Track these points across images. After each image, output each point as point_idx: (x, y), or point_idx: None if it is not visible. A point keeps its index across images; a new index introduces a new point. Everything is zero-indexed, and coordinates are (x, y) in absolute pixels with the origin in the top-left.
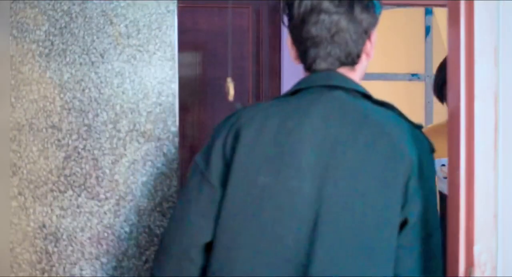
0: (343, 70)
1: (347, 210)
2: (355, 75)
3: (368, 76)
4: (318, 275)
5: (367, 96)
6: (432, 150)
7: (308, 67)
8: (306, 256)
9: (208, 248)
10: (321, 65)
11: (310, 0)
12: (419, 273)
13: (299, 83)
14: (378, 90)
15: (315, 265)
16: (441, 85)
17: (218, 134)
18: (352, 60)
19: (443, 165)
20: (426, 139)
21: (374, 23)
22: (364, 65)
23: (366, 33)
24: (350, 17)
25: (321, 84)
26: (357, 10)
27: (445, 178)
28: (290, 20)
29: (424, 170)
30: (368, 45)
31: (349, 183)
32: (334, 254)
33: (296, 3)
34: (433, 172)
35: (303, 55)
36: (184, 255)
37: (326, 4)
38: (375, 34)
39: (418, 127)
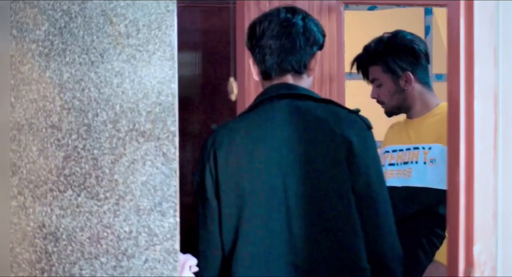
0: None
1: (310, 194)
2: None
3: None
4: (300, 255)
5: (310, 97)
6: (369, 128)
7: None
8: (288, 236)
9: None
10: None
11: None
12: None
13: (256, 97)
14: None
15: (296, 244)
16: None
17: (204, 156)
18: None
19: (387, 151)
20: (362, 119)
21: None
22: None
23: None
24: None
25: (272, 94)
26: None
27: (390, 165)
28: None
29: (362, 144)
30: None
31: (306, 171)
32: (309, 232)
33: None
34: (371, 144)
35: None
36: (214, 255)
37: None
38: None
39: (355, 111)
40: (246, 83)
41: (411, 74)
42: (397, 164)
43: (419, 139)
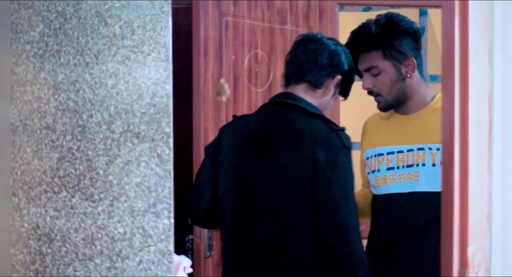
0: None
1: (271, 196)
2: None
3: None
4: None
5: (303, 109)
6: (343, 147)
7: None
8: (248, 227)
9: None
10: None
11: None
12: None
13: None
14: None
15: (253, 238)
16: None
17: (217, 137)
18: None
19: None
20: (340, 138)
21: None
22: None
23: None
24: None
25: (272, 101)
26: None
27: (389, 169)
28: None
29: (331, 163)
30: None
31: (273, 176)
32: (265, 230)
33: None
34: (342, 162)
35: None
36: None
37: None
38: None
39: (337, 130)
40: (202, 84)
41: (414, 60)
42: (398, 168)
43: (422, 139)
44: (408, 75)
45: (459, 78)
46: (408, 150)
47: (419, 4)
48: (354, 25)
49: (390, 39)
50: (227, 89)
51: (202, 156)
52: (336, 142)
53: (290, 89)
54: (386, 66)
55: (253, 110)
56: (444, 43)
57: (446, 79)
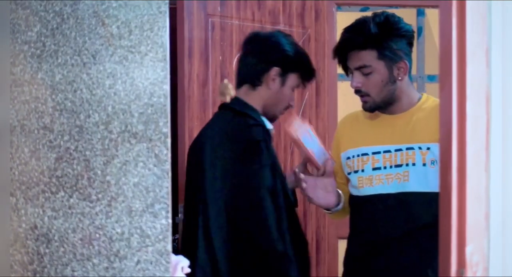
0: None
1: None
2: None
3: None
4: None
5: (231, 109)
6: (253, 141)
7: None
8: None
9: None
10: None
11: None
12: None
13: None
14: None
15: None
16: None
17: None
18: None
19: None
20: (250, 133)
21: None
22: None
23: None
24: None
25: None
26: None
27: (375, 169)
28: None
29: (233, 158)
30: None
31: (208, 174)
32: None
33: None
34: (247, 157)
35: None
36: None
37: None
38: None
39: (252, 125)
40: (186, 84)
41: (407, 62)
42: (385, 168)
43: (412, 138)
44: (400, 78)
45: (457, 78)
46: (396, 150)
47: (417, 4)
48: None
49: (387, 39)
50: (232, 90)
51: (186, 156)
52: (242, 138)
53: (237, 94)
54: (379, 67)
55: None
56: (441, 43)
57: (443, 79)
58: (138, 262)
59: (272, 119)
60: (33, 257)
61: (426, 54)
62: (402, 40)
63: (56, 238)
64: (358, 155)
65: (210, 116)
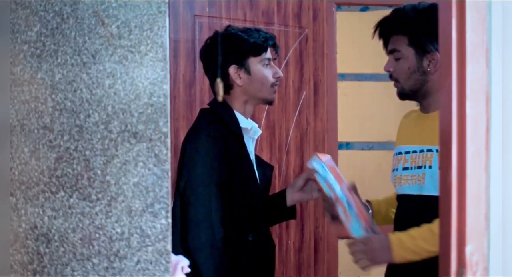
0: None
1: None
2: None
3: (360, 77)
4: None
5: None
6: (206, 136)
7: None
8: None
9: None
10: None
11: None
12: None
13: None
14: (370, 90)
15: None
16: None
17: None
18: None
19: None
20: (204, 130)
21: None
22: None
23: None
24: None
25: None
26: None
27: (404, 169)
28: None
29: (189, 150)
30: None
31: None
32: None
33: None
34: (198, 150)
35: None
36: None
37: None
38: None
39: (209, 122)
40: (172, 85)
41: (439, 56)
42: (411, 168)
43: (433, 140)
44: (429, 69)
45: (456, 78)
46: (420, 151)
47: None
48: (351, 25)
49: (420, 27)
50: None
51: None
52: (203, 133)
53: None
54: (408, 53)
55: None
56: (441, 43)
57: (443, 78)
58: (138, 262)
59: (270, 102)
60: (33, 257)
61: None
62: (435, 33)
63: (56, 238)
64: (396, 154)
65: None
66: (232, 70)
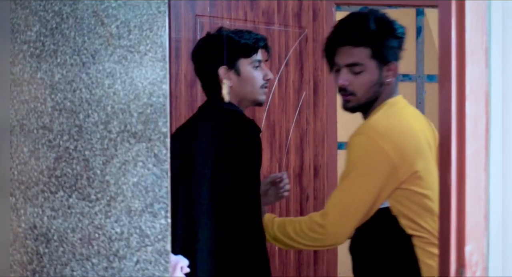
0: None
1: None
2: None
3: None
4: None
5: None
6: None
7: None
8: None
9: None
10: None
11: None
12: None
13: None
14: None
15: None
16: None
17: None
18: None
19: None
20: (205, 132)
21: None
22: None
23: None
24: None
25: None
26: None
27: None
28: None
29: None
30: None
31: None
32: None
33: None
34: (193, 155)
35: None
36: None
37: None
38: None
39: (200, 121)
40: (173, 85)
41: (396, 64)
42: None
43: None
44: (388, 80)
45: (456, 78)
46: None
47: (416, 4)
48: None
49: (383, 38)
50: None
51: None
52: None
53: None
54: (371, 66)
55: None
56: (440, 43)
57: (442, 79)
58: (137, 262)
59: (260, 104)
60: (32, 257)
61: (425, 54)
62: (395, 41)
63: (55, 238)
64: None
65: None
66: (222, 71)
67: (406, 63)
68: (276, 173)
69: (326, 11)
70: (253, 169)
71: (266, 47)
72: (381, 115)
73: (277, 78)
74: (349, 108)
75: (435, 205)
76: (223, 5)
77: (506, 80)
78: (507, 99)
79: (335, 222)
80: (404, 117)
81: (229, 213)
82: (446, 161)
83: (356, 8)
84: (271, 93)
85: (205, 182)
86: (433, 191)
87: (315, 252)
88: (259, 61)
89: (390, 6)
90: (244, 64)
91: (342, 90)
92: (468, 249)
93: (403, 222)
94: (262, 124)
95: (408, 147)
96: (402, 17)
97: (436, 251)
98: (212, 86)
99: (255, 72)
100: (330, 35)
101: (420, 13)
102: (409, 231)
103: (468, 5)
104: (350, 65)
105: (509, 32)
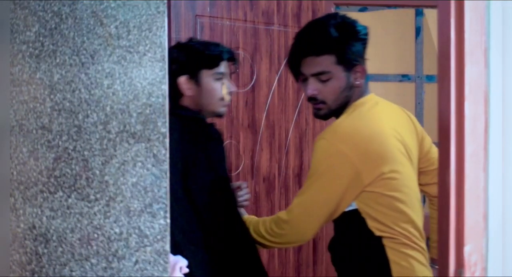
0: None
1: None
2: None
3: None
4: None
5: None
6: (208, 138)
7: None
8: None
9: None
10: None
11: None
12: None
13: None
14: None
15: None
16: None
17: None
18: None
19: None
20: (201, 132)
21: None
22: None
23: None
24: None
25: None
26: None
27: None
28: None
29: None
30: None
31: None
32: None
33: None
34: (193, 156)
35: None
36: None
37: None
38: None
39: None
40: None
41: (364, 67)
42: None
43: None
44: (358, 82)
45: (455, 78)
46: None
47: (415, 4)
48: None
49: (346, 43)
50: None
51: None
52: (199, 136)
53: None
54: (338, 72)
55: (234, 110)
56: (440, 43)
57: (442, 79)
58: (137, 262)
59: (220, 115)
60: (31, 257)
61: (424, 54)
62: (359, 43)
63: (54, 238)
64: None
65: None
66: (183, 79)
67: (405, 63)
68: (236, 182)
69: (325, 11)
70: (220, 169)
71: (233, 60)
72: (344, 118)
73: (276, 79)
74: (321, 115)
75: (405, 206)
76: (223, 5)
77: (505, 80)
78: (506, 99)
79: (298, 220)
80: (370, 118)
81: (208, 215)
82: (446, 161)
83: (355, 9)
84: (271, 93)
85: (178, 186)
86: (403, 193)
87: (315, 252)
88: (222, 73)
89: (389, 6)
90: (206, 75)
91: (312, 99)
92: (467, 249)
93: (370, 223)
94: (262, 124)
95: (371, 150)
96: (401, 17)
97: (409, 251)
98: (172, 93)
99: (215, 84)
100: (292, 48)
101: (419, 14)
102: (377, 233)
103: (467, 5)
104: (317, 74)
105: (509, 32)
